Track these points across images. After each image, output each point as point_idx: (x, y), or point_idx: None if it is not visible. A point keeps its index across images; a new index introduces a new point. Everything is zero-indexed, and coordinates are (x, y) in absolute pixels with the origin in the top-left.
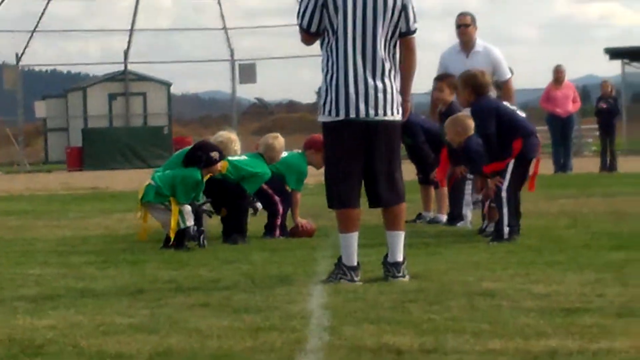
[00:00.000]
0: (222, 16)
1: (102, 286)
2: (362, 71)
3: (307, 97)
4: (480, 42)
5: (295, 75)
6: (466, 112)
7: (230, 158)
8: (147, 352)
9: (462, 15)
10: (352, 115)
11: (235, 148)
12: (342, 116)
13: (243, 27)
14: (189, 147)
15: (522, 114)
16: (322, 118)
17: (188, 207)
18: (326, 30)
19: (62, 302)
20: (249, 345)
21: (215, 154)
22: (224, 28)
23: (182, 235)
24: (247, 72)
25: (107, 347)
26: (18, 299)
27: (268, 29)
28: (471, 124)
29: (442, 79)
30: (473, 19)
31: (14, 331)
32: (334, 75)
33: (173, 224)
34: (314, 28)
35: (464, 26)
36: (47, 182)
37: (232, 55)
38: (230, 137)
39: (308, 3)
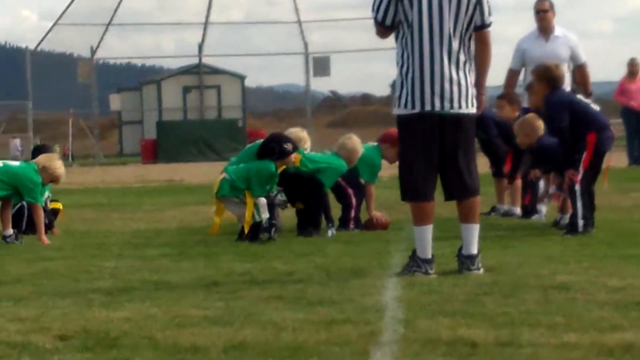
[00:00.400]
0: (297, 9)
1: (176, 279)
2: (437, 64)
3: (381, 90)
4: (559, 29)
5: (369, 68)
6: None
7: (305, 152)
8: (222, 344)
9: (541, 1)
10: (428, 108)
11: (305, 146)
12: (417, 109)
13: (317, 20)
14: (262, 140)
15: (596, 107)
16: (397, 111)
17: (263, 200)
18: (401, 24)
19: (137, 294)
20: (323, 337)
21: (288, 146)
22: (298, 21)
23: (257, 228)
24: (321, 65)
25: (181, 339)
26: (93, 291)
27: (342, 22)
28: (540, 124)
29: (502, 96)
30: (551, 5)
31: (90, 323)
32: (410, 69)
33: (248, 216)
34: (388, 21)
35: (543, 11)
36: (121, 175)
37: (306, 48)
38: (300, 135)
39: None
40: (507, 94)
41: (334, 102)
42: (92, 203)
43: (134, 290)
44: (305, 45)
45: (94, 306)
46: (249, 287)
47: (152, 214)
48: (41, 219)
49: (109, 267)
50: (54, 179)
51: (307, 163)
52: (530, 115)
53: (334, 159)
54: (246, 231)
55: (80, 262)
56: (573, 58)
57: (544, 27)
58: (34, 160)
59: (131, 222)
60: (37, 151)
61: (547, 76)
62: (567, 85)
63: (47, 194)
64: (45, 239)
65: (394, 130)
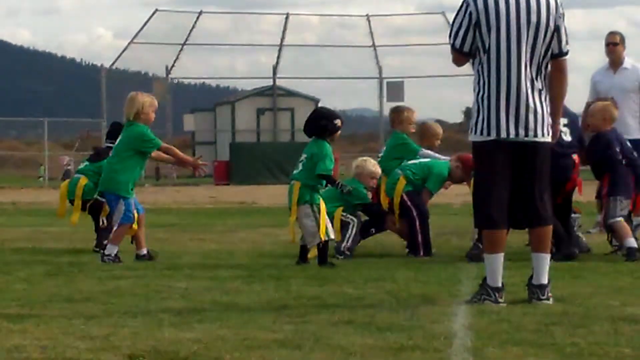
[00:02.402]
0: (371, 33)
1: (247, 301)
2: (514, 91)
3: (454, 116)
4: (628, 60)
5: (441, 94)
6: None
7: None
8: None
9: (611, 34)
10: (503, 135)
11: (373, 169)
12: (493, 136)
13: (391, 44)
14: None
15: None
16: (472, 137)
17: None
18: (478, 50)
19: (207, 315)
20: None
21: (338, 121)
22: (373, 45)
23: (325, 250)
24: (395, 90)
25: None
26: (164, 311)
27: (416, 47)
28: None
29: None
30: (622, 38)
31: (160, 343)
32: (486, 95)
33: (322, 230)
34: (467, 48)
35: (613, 44)
36: (194, 196)
37: (380, 72)
38: (436, 130)
39: (461, 22)
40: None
41: None
42: (164, 223)
43: (204, 311)
44: (380, 69)
45: (164, 326)
46: (319, 311)
47: (224, 235)
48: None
49: (179, 288)
50: (149, 116)
51: (418, 171)
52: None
53: (434, 164)
54: (311, 253)
55: (152, 281)
56: None
57: (613, 59)
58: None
59: (203, 243)
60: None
61: None
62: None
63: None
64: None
65: (469, 154)
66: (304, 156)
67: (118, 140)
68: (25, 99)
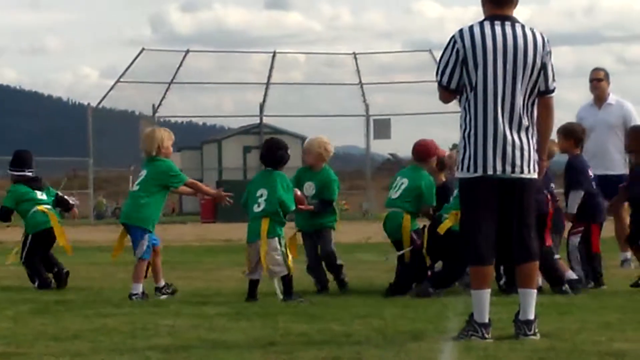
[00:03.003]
0: (358, 71)
1: (234, 338)
2: (501, 128)
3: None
4: (613, 97)
5: (429, 131)
6: None
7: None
8: None
9: (595, 70)
10: (490, 172)
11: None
12: (479, 172)
13: (378, 82)
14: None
15: None
16: (459, 174)
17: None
18: (465, 87)
19: (194, 352)
20: None
21: (288, 152)
22: (360, 83)
23: (290, 283)
24: (382, 128)
25: None
26: (151, 348)
27: (403, 85)
28: None
29: None
30: (606, 74)
31: None
32: (472, 132)
33: (289, 262)
34: (453, 85)
35: (597, 80)
36: (181, 234)
37: (367, 110)
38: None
39: (448, 60)
40: None
41: (393, 164)
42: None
43: (191, 348)
44: (366, 107)
45: None
46: (306, 347)
47: (211, 272)
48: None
49: (166, 325)
50: (169, 150)
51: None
52: None
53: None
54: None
55: (138, 319)
56: (625, 124)
57: (597, 95)
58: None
59: (190, 280)
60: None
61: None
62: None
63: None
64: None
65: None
66: (264, 191)
67: (144, 174)
68: (11, 137)
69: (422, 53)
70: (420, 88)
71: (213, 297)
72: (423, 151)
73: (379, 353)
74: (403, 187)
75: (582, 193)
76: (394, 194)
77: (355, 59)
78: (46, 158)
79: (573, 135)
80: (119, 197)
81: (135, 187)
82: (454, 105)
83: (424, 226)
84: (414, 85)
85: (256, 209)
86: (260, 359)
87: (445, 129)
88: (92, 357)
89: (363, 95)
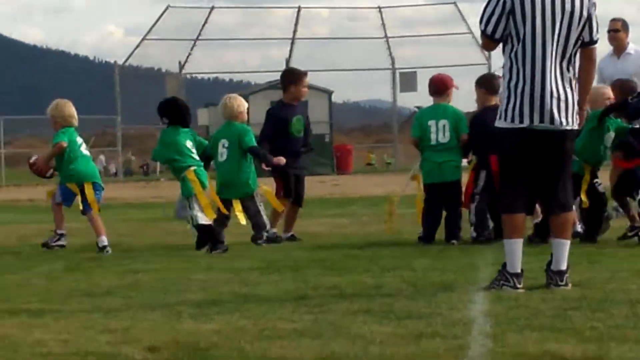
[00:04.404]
0: (383, 25)
1: (265, 291)
2: (548, 80)
3: (467, 105)
4: (632, 46)
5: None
6: None
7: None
8: (311, 357)
9: (613, 21)
10: (535, 122)
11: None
12: (525, 123)
13: (404, 35)
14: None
15: None
16: (501, 124)
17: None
18: (510, 37)
19: (227, 306)
20: (411, 351)
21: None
22: (385, 37)
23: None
24: (408, 81)
25: (270, 351)
26: (183, 303)
27: (428, 37)
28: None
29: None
30: (624, 24)
31: (179, 335)
32: (519, 83)
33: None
34: (498, 35)
35: (614, 31)
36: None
37: (392, 63)
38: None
39: (494, 10)
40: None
41: None
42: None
43: (223, 302)
44: (392, 60)
45: (184, 318)
46: (337, 300)
47: (240, 227)
48: None
49: (198, 280)
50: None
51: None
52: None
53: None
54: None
55: (170, 274)
56: None
57: (616, 46)
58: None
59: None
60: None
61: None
62: None
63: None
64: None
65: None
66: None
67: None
68: (39, 97)
69: (447, 6)
70: (446, 41)
71: (243, 252)
72: (441, 84)
73: (409, 304)
74: (447, 127)
75: None
76: (443, 138)
77: (380, 12)
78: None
79: (491, 86)
80: (146, 154)
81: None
82: (479, 57)
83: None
84: (439, 37)
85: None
86: (292, 313)
87: (470, 81)
88: (124, 313)
89: (389, 48)
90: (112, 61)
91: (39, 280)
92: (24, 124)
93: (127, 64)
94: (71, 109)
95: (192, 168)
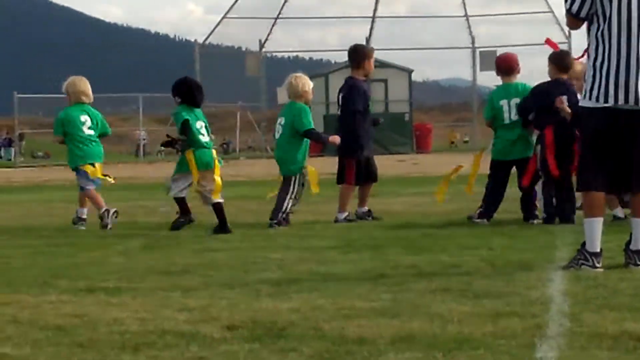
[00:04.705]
0: (464, 3)
1: (343, 270)
2: (634, 60)
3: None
4: None
5: (534, 62)
6: None
7: None
8: (389, 336)
9: None
10: (621, 102)
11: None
12: (610, 103)
13: (484, 14)
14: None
15: None
16: (586, 103)
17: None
18: (596, 16)
19: (305, 285)
20: (489, 330)
21: None
22: (465, 15)
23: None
24: (488, 60)
25: (348, 330)
26: (261, 282)
27: (509, 16)
28: None
29: None
30: None
31: (258, 314)
32: (605, 62)
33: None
34: (583, 13)
35: None
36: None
37: (473, 42)
38: None
39: None
40: None
41: None
42: (257, 195)
43: (301, 281)
44: (472, 39)
45: (262, 297)
46: (416, 279)
47: (318, 206)
48: None
49: (276, 259)
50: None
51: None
52: None
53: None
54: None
55: (248, 253)
56: None
57: None
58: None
59: (297, 214)
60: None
61: None
62: None
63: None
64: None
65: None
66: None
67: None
68: (119, 75)
69: None
70: (526, 19)
71: (321, 231)
72: (507, 64)
73: (488, 283)
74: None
75: None
76: (515, 115)
77: None
78: (154, 94)
79: (563, 63)
80: (226, 132)
81: None
82: (559, 36)
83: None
84: (521, 16)
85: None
86: (370, 291)
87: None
88: (202, 291)
89: (469, 27)
90: (192, 39)
91: (117, 259)
92: (104, 102)
93: (207, 42)
94: (84, 86)
95: (192, 149)
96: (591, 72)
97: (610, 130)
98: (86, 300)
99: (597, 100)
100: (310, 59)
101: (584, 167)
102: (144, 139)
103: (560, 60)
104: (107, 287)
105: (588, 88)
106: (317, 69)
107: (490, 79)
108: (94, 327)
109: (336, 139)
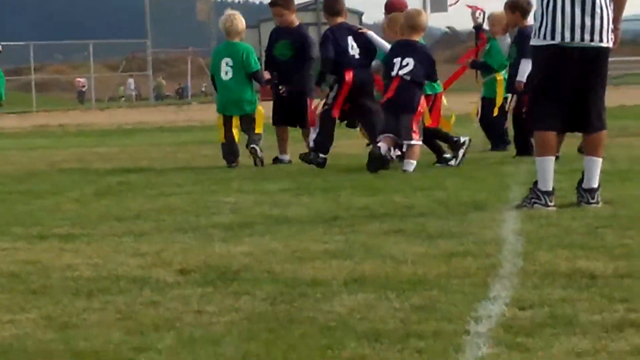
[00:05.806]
0: None
1: (296, 213)
2: None
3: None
4: None
5: (485, 4)
6: None
7: None
8: (342, 277)
9: None
10: (567, 40)
11: None
12: (557, 40)
13: None
14: None
15: None
16: (535, 42)
17: None
18: None
19: (257, 229)
20: (443, 270)
21: None
22: None
23: None
24: (439, 1)
25: (301, 273)
26: (214, 226)
27: None
28: None
29: None
30: None
31: (211, 258)
32: (551, 1)
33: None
34: None
35: None
36: None
37: None
38: None
39: None
40: None
41: (451, 38)
42: (212, 139)
43: (254, 225)
44: None
45: (215, 241)
46: (369, 221)
47: (271, 150)
48: None
49: (229, 202)
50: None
51: None
52: None
53: None
54: None
55: (201, 197)
56: None
57: None
58: None
59: (250, 158)
60: None
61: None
62: None
63: None
64: None
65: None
66: None
67: None
68: (67, 21)
69: None
70: None
71: (274, 174)
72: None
73: (441, 224)
74: None
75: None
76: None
77: None
78: (103, 41)
79: (519, 8)
80: (180, 78)
81: None
82: None
83: None
84: None
85: None
86: (324, 234)
87: (502, 2)
88: (155, 236)
89: None
90: None
91: (70, 205)
92: (54, 49)
93: None
94: None
95: None
96: (540, 11)
97: (560, 69)
98: (40, 246)
99: (545, 38)
100: (261, 2)
101: (536, 106)
102: (82, 87)
103: (521, 7)
104: (60, 233)
105: (537, 27)
106: (269, 13)
107: (441, 21)
108: (48, 274)
109: (267, 74)
